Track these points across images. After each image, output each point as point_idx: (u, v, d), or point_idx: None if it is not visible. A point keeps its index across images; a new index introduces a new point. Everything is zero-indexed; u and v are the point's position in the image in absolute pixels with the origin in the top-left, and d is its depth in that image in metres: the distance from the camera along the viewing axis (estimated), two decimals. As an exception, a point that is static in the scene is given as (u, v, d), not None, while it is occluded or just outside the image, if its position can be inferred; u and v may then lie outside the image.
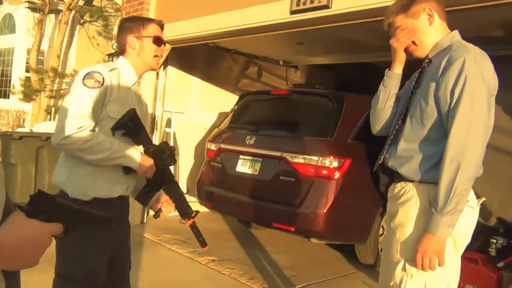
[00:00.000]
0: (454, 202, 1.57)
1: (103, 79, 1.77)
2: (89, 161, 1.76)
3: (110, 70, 1.83)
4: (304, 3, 3.68)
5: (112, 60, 5.40)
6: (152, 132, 5.62)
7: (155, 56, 1.97)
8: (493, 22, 3.58)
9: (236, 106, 5.13)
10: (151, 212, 5.55)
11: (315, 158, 4.00)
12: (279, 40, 5.29)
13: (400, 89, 1.98)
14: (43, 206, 0.88)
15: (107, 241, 1.84)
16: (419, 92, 1.79)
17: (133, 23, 1.97)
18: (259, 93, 5.16)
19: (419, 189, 1.73)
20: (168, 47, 5.22)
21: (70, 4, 10.02)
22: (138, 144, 1.87)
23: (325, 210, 3.90)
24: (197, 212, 2.05)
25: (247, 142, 4.48)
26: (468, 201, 1.66)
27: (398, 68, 1.94)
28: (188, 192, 6.28)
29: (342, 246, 4.75)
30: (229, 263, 4.23)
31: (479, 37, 2.88)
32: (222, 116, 5.80)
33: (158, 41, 1.96)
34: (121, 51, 1.99)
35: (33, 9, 10.69)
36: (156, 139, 5.78)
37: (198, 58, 6.38)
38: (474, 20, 3.37)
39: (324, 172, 3.98)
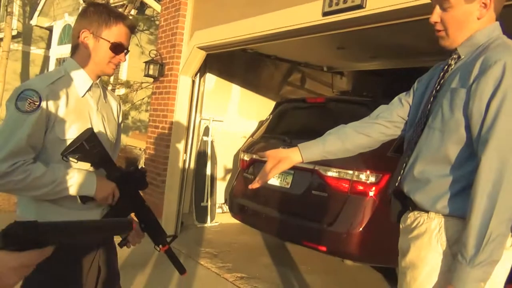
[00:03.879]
0: (488, 250, 1.23)
1: (40, 98, 1.47)
2: (32, 197, 1.54)
3: (53, 82, 1.55)
4: (337, 4, 3.37)
5: (148, 68, 5.35)
6: (188, 141, 5.50)
7: (110, 62, 1.65)
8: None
9: (271, 115, 4.89)
10: (187, 221, 5.36)
11: (350, 172, 3.66)
12: (318, 45, 4.99)
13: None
14: (17, 236, 0.73)
15: (75, 278, 1.62)
16: (442, 96, 1.42)
17: (96, 15, 1.61)
18: (294, 101, 4.88)
19: (435, 222, 1.39)
20: (203, 53, 5.09)
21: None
22: (97, 168, 1.61)
23: (360, 230, 3.54)
24: (175, 236, 1.81)
25: (280, 153, 4.21)
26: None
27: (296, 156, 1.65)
28: (225, 202, 6.11)
29: (383, 267, 4.34)
30: (258, 281, 3.98)
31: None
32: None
33: (116, 48, 1.63)
34: (73, 45, 1.67)
35: (90, 19, 11.07)
36: (193, 148, 5.67)
37: (238, 64, 6.21)
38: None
39: (360, 187, 3.63)
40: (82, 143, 1.46)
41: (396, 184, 1.56)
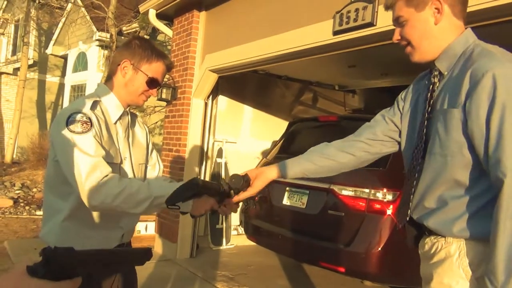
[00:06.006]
0: None
1: (89, 117, 1.52)
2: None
3: (92, 106, 1.59)
4: (347, 22, 3.39)
5: (161, 92, 5.40)
6: (202, 163, 5.50)
7: (142, 94, 1.71)
8: None
9: (284, 134, 4.88)
10: (203, 244, 5.26)
11: (366, 190, 3.61)
12: (329, 64, 5.01)
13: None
14: (59, 263, 0.70)
15: None
16: (435, 119, 1.35)
17: (141, 49, 1.68)
18: (307, 120, 4.88)
19: (454, 247, 1.33)
20: (215, 76, 5.14)
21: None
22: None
23: (379, 249, 3.47)
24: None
25: (294, 173, 4.19)
26: None
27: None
28: (240, 224, 6.07)
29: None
30: (275, 304, 3.91)
31: None
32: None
33: (151, 83, 1.69)
34: (109, 72, 1.73)
35: (103, 46, 11.32)
36: (207, 170, 5.67)
37: (250, 86, 6.26)
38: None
39: (377, 206, 3.57)
40: (196, 192, 1.43)
41: (407, 218, 1.49)
